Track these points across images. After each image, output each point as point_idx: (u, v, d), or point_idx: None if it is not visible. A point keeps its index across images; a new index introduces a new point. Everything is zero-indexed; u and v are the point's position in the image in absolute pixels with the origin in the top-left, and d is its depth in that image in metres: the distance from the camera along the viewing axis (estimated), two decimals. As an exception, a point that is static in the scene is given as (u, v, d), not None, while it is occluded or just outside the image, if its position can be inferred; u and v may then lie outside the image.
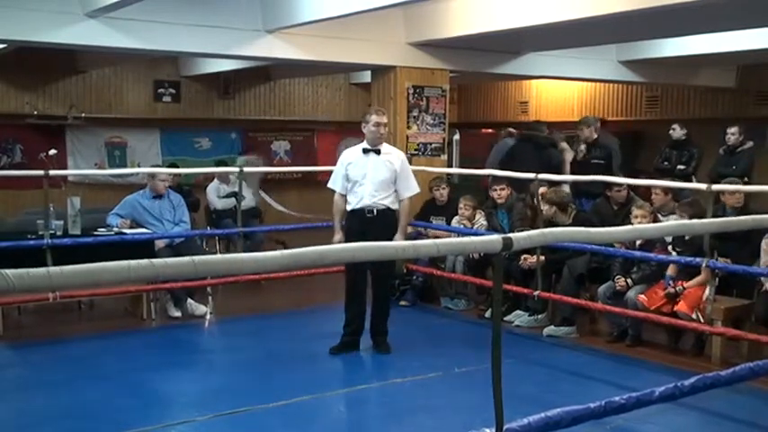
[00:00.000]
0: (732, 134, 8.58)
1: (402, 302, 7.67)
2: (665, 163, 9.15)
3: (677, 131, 9.13)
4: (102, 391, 5.05)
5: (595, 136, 8.74)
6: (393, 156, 5.95)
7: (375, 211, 5.82)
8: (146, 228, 7.13)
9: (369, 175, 5.84)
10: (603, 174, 7.51)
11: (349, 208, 5.94)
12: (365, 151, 5.89)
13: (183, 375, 5.61)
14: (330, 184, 6.11)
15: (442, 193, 7.96)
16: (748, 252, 5.96)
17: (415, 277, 7.70)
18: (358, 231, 5.67)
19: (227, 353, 6.30)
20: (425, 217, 7.96)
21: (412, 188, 6.01)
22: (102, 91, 11.54)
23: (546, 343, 6.42)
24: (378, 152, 5.88)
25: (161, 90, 11.94)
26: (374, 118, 5.82)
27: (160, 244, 7.04)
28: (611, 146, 8.75)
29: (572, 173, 8.30)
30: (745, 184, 7.49)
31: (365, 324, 6.04)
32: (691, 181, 8.43)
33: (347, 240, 5.76)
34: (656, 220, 6.30)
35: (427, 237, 7.47)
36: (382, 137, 5.90)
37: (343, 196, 6.00)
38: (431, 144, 8.46)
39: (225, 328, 7.01)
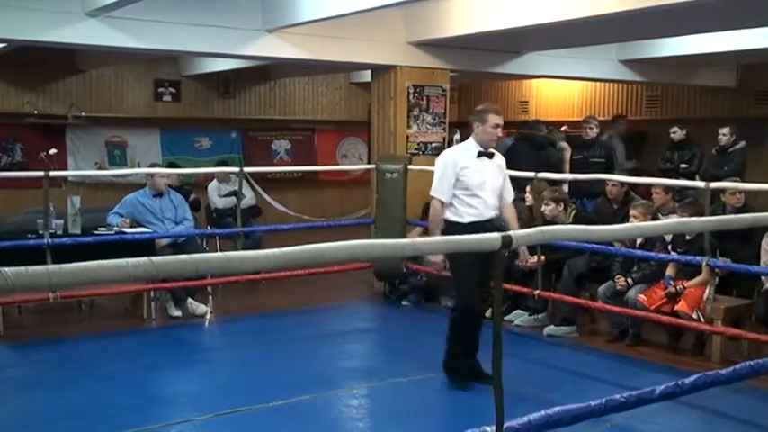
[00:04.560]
0: (724, 134, 8.57)
1: (404, 303, 7.68)
2: (668, 164, 9.14)
3: (678, 133, 9.11)
4: (102, 390, 5.05)
5: (594, 135, 8.76)
6: (499, 158, 5.27)
7: (499, 225, 4.97)
8: (146, 227, 7.13)
9: (488, 182, 5.09)
10: (604, 173, 7.52)
11: (461, 221, 5.03)
12: (479, 154, 5.10)
13: (184, 375, 5.61)
14: (435, 193, 5.11)
15: None
16: (749, 252, 5.96)
17: (419, 277, 7.69)
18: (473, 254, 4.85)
19: (228, 352, 6.30)
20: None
21: (511, 190, 5.45)
22: (102, 90, 11.54)
23: (546, 342, 6.42)
24: (491, 156, 5.15)
25: (161, 89, 11.94)
26: (494, 118, 5.05)
27: (161, 243, 7.05)
28: (611, 145, 8.75)
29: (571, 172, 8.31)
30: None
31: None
32: (695, 180, 8.43)
33: (463, 261, 4.91)
34: (655, 220, 6.30)
35: None
36: (498, 139, 5.26)
37: (443, 205, 5.11)
38: (431, 143, 8.46)
39: (225, 327, 7.01)
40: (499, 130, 5.09)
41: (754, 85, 10.63)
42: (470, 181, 5.02)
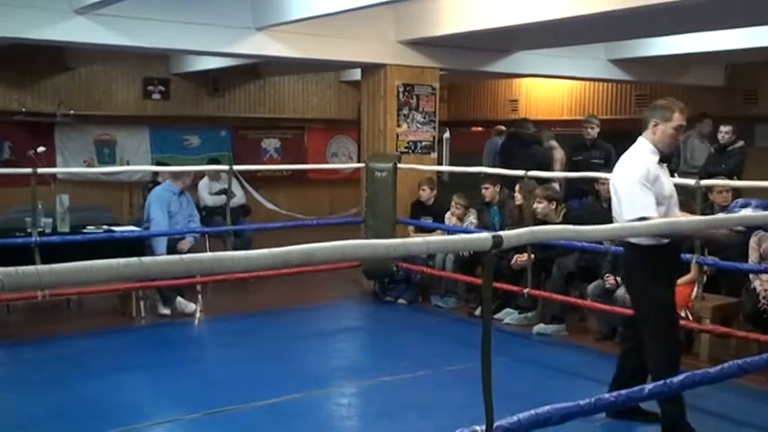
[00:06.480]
0: (726, 133, 8.61)
1: (399, 301, 7.68)
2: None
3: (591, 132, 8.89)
4: (91, 389, 5.03)
5: (595, 135, 8.75)
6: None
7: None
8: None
9: (674, 193, 4.24)
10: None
11: (657, 242, 4.06)
12: (661, 160, 4.18)
13: (173, 373, 5.59)
14: (646, 211, 3.94)
15: (421, 195, 7.96)
16: (737, 250, 5.99)
17: (413, 275, 7.70)
18: (670, 274, 4.25)
19: (217, 351, 6.29)
20: (415, 217, 7.98)
21: None
22: (91, 88, 11.49)
23: (535, 341, 6.44)
24: (666, 160, 4.30)
25: (150, 87, 11.90)
26: (679, 118, 4.09)
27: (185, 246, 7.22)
28: (609, 146, 8.76)
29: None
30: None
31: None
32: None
33: (656, 279, 4.16)
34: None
35: None
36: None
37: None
38: (421, 142, 8.46)
39: (214, 326, 7.00)
40: (680, 133, 4.18)
41: (742, 85, 10.69)
42: (662, 192, 4.08)
